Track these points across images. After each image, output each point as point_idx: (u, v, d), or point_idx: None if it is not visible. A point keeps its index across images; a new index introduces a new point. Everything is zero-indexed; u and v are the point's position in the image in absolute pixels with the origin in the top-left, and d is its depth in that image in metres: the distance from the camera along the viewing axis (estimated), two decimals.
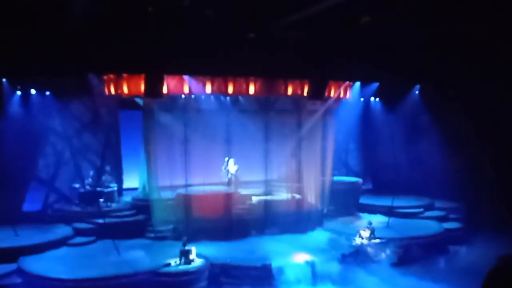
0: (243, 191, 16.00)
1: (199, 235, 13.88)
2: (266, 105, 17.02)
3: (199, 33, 12.51)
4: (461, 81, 15.87)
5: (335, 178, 17.84)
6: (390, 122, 19.28)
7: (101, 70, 14.34)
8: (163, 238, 14.32)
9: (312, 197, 16.65)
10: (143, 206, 14.99)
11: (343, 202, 17.40)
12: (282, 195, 16.56)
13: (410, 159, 18.65)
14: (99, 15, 11.67)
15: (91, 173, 15.99)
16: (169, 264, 11.91)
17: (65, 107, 15.77)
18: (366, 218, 16.60)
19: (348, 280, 12.57)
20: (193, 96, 15.29)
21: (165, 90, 14.22)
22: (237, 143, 16.20)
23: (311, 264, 12.62)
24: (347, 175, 20.03)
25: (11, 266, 11.79)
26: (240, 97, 16.30)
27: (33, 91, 15.22)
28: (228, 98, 16.00)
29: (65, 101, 15.60)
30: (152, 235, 14.48)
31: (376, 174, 20.55)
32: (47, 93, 15.40)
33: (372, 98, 19.62)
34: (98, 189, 15.51)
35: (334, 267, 12.85)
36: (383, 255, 13.89)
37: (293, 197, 16.25)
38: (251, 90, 15.40)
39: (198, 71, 14.29)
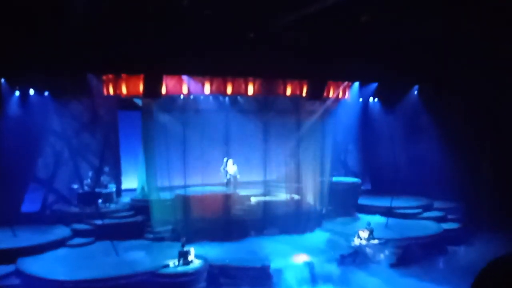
0: (242, 192, 15.98)
1: (198, 236, 13.87)
2: (265, 106, 17.01)
3: (198, 33, 12.51)
4: (460, 81, 15.89)
5: (334, 178, 17.84)
6: (389, 122, 19.27)
7: (100, 70, 14.32)
8: (161, 239, 14.29)
9: (311, 198, 16.64)
10: (141, 207, 14.95)
11: (342, 203, 17.39)
12: (281, 195, 16.55)
13: (409, 159, 18.65)
14: (98, 16, 11.65)
15: (90, 173, 15.95)
16: (168, 265, 11.90)
17: (64, 107, 15.71)
18: (365, 218, 16.61)
19: (347, 281, 12.58)
20: (192, 96, 15.25)
21: (164, 90, 14.19)
22: (236, 143, 16.19)
23: (310, 265, 12.62)
24: (346, 175, 20.02)
25: (10, 267, 11.76)
26: (239, 97, 16.27)
27: (31, 91, 15.15)
28: (227, 98, 15.98)
29: (63, 101, 15.54)
30: (151, 236, 14.44)
31: (375, 174, 20.56)
32: (46, 93, 15.34)
33: (371, 98, 19.61)
34: (97, 189, 15.47)
35: (333, 268, 12.85)
36: (382, 256, 13.90)
37: (292, 198, 16.24)
38: (250, 90, 15.38)
39: (197, 71, 14.28)
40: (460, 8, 11.89)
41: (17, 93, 14.94)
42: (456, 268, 14.08)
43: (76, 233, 14.11)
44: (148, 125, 15.19)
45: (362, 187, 19.16)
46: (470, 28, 13.11)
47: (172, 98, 15.19)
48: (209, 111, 15.74)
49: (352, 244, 14.16)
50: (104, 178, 15.86)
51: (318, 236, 15.33)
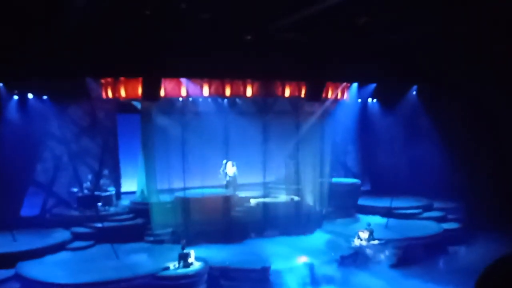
0: (242, 194, 16.00)
1: (198, 238, 13.87)
2: (264, 107, 17.04)
3: (196, 36, 12.53)
4: (458, 81, 15.92)
5: (334, 179, 17.84)
6: (388, 123, 19.30)
7: (98, 73, 14.34)
8: (162, 242, 14.30)
9: (310, 199, 16.64)
10: (141, 209, 14.95)
11: (342, 204, 17.39)
12: (281, 197, 16.56)
13: (408, 160, 18.68)
14: (96, 19, 11.67)
15: (90, 177, 15.97)
16: (168, 268, 11.90)
17: (63, 111, 15.75)
18: (365, 219, 16.61)
19: (348, 282, 12.58)
20: (190, 98, 15.28)
21: (162, 93, 14.21)
22: (235, 145, 16.20)
23: (310, 266, 12.61)
24: (345, 176, 20.05)
25: (9, 272, 11.75)
26: (237, 99, 16.30)
27: (30, 96, 15.19)
28: (225, 100, 15.99)
29: (62, 105, 15.57)
30: (151, 238, 14.46)
31: (375, 175, 20.57)
32: (45, 97, 15.38)
33: (369, 99, 19.65)
34: (97, 193, 15.49)
35: (333, 269, 12.85)
36: (382, 256, 13.90)
37: (291, 199, 16.25)
38: (249, 92, 15.40)
39: (196, 74, 14.29)
40: (458, 9, 11.91)
41: (16, 97, 14.97)
42: (456, 268, 14.09)
43: (76, 237, 14.12)
44: (147, 127, 15.20)
45: (362, 188, 19.16)
46: (468, 29, 13.15)
47: (171, 101, 15.21)
48: (208, 113, 15.75)
49: (353, 245, 14.16)
50: (103, 181, 15.87)
51: (318, 237, 15.33)
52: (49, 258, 12.75)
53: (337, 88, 16.75)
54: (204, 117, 15.71)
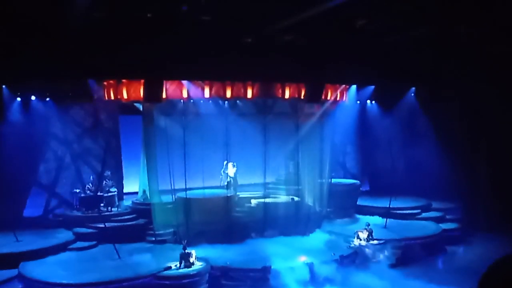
0: (242, 194, 16.11)
1: (199, 238, 13.99)
2: (264, 109, 17.16)
3: (197, 39, 12.66)
4: (456, 83, 16.05)
5: (333, 180, 17.96)
6: (386, 124, 19.43)
7: (100, 75, 14.45)
8: (163, 242, 14.41)
9: (310, 199, 16.77)
10: (143, 210, 15.08)
11: (341, 204, 17.50)
12: (281, 197, 16.68)
13: (407, 161, 18.81)
14: (98, 21, 11.81)
15: (92, 178, 16.09)
16: (169, 268, 12.00)
17: (65, 113, 15.87)
18: (364, 219, 16.72)
19: (347, 282, 12.65)
20: (192, 100, 15.42)
21: (164, 95, 14.34)
22: (236, 146, 16.32)
23: (310, 266, 12.72)
24: (344, 177, 20.17)
25: (12, 272, 11.84)
26: (238, 101, 16.44)
27: (33, 97, 15.31)
28: (226, 102, 16.13)
29: (65, 106, 15.70)
30: (153, 238, 14.57)
31: (374, 175, 20.70)
32: (47, 99, 15.50)
33: (368, 101, 19.79)
34: (99, 193, 15.61)
35: (333, 269, 12.95)
36: (381, 256, 14.01)
37: (291, 200, 16.36)
38: (249, 93, 15.54)
39: (197, 76, 14.42)
40: (454, 10, 12.04)
41: (19, 99, 15.08)
42: (455, 267, 14.21)
43: (79, 237, 14.21)
44: (149, 129, 15.33)
45: (361, 189, 19.28)
46: (466, 31, 13.28)
47: (172, 103, 15.34)
48: (209, 115, 15.90)
49: (352, 245, 14.27)
50: (106, 182, 16.00)
51: (318, 237, 15.44)
52: (52, 258, 12.83)
53: (336, 90, 16.89)
54: (205, 119, 15.85)
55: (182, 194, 15.17)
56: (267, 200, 16.25)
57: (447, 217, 17.48)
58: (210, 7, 11.72)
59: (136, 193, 16.41)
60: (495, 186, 17.09)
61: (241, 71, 14.19)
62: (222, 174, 16.14)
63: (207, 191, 15.90)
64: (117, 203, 15.89)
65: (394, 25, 13.13)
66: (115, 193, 15.97)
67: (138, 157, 16.05)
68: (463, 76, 15.37)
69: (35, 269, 11.90)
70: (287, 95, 16.00)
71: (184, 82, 14.74)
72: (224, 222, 14.80)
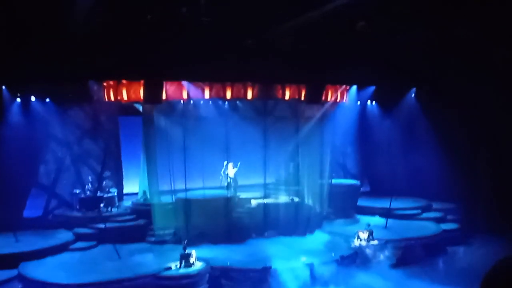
0: (242, 195, 16.11)
1: (199, 238, 13.99)
2: (264, 110, 17.19)
3: (197, 40, 12.68)
4: (457, 84, 16.07)
5: (333, 181, 17.97)
6: (386, 125, 19.45)
7: (100, 76, 14.49)
8: (163, 242, 14.41)
9: (310, 200, 16.77)
10: (143, 210, 15.10)
11: (342, 205, 17.50)
12: (281, 198, 16.68)
13: (407, 161, 18.80)
14: (98, 23, 11.83)
15: (92, 178, 16.10)
16: (170, 268, 12.01)
17: (65, 114, 15.88)
18: (364, 220, 16.71)
19: (348, 282, 12.66)
20: (192, 101, 15.44)
21: (164, 96, 14.37)
22: (236, 147, 16.33)
23: (310, 266, 12.72)
24: (345, 177, 20.16)
25: (12, 272, 11.83)
26: (238, 102, 16.46)
27: (33, 98, 15.33)
28: (226, 103, 16.15)
29: (65, 108, 15.72)
30: (153, 239, 14.57)
31: (374, 176, 20.70)
32: (47, 100, 15.52)
33: (368, 102, 19.81)
34: (99, 194, 15.63)
35: (333, 269, 12.95)
36: (381, 257, 14.00)
37: (292, 200, 16.37)
38: (249, 95, 15.56)
39: (197, 77, 14.45)
40: (456, 12, 12.06)
41: (19, 100, 15.10)
42: (455, 268, 14.21)
43: (79, 237, 14.22)
44: (149, 130, 15.35)
45: (361, 189, 19.28)
46: (467, 32, 13.30)
47: (172, 104, 15.37)
48: (209, 116, 15.92)
49: (352, 245, 14.26)
50: (106, 183, 16.02)
51: (318, 238, 15.43)
52: (52, 259, 12.83)
53: (336, 90, 16.92)
54: (205, 120, 15.88)
55: (182, 195, 15.17)
56: (267, 200, 16.26)
57: (448, 217, 17.47)
58: (210, 8, 11.75)
59: (136, 194, 16.43)
60: (496, 187, 17.09)
61: (241, 72, 14.22)
62: (222, 174, 16.14)
63: (207, 191, 15.91)
64: (117, 204, 15.91)
65: (395, 27, 13.14)
66: (115, 193, 15.99)
67: (138, 158, 16.06)
68: (464, 78, 15.38)
69: (35, 270, 11.91)
70: (287, 96, 16.03)
71: (184, 83, 14.76)
72: (224, 222, 14.81)
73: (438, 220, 17.15)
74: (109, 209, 15.46)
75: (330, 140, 17.57)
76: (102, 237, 14.05)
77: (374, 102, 19.94)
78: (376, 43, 14.09)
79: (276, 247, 14.05)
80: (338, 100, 17.24)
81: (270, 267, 12.36)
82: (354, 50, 14.16)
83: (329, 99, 16.72)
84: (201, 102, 15.59)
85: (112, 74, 14.03)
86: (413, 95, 18.89)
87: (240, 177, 16.25)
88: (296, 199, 16.41)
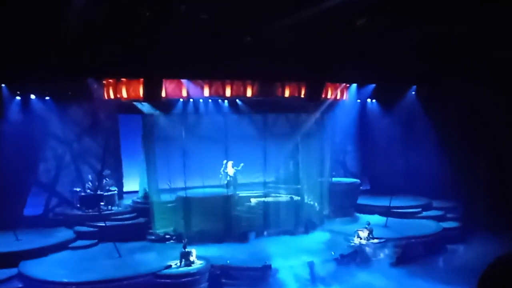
0: (242, 193, 16.11)
1: (199, 237, 14.01)
2: (264, 108, 17.13)
3: (196, 38, 12.65)
4: (457, 82, 16.03)
5: (333, 179, 17.95)
6: (386, 123, 19.42)
7: (100, 74, 14.46)
8: (163, 241, 14.43)
9: (310, 199, 16.76)
10: (143, 209, 15.10)
11: (341, 203, 17.50)
12: (281, 196, 16.68)
13: (407, 160, 18.78)
14: (97, 20, 11.80)
15: (92, 176, 16.10)
16: (170, 266, 12.02)
17: (65, 112, 15.87)
18: (364, 218, 16.71)
19: (347, 280, 12.66)
20: (191, 99, 15.41)
21: (163, 94, 14.34)
22: (236, 145, 16.31)
23: (310, 265, 12.72)
24: (345, 176, 20.15)
25: (12, 271, 11.85)
26: (238, 100, 16.42)
27: (32, 96, 15.32)
28: (226, 101, 16.12)
29: (64, 106, 15.71)
30: (153, 237, 14.58)
31: (374, 174, 20.68)
32: (47, 98, 15.51)
33: (368, 100, 19.78)
34: (99, 192, 15.63)
35: (333, 268, 12.95)
36: (381, 255, 14.00)
37: (291, 199, 16.36)
38: (249, 92, 15.53)
39: (196, 75, 14.43)
40: (457, 10, 12.02)
41: (18, 98, 15.09)
42: (455, 266, 14.18)
43: (79, 236, 14.25)
44: (148, 128, 15.33)
45: (361, 187, 19.27)
46: (467, 30, 13.27)
47: (172, 102, 15.34)
48: (208, 114, 15.90)
49: (352, 244, 14.26)
50: (106, 181, 16.02)
51: (318, 236, 15.43)
52: (52, 257, 12.86)
53: (336, 88, 16.89)
54: (205, 118, 15.85)
55: (182, 193, 15.17)
56: (267, 199, 16.26)
57: (448, 215, 17.47)
58: (209, 5, 11.72)
59: (136, 192, 16.42)
60: (496, 185, 17.07)
61: (240, 70, 14.19)
62: (222, 173, 16.13)
63: (207, 190, 15.91)
64: (117, 202, 15.92)
65: (395, 24, 13.10)
66: (115, 192, 15.99)
67: (138, 156, 16.05)
68: (464, 76, 15.35)
69: (35, 268, 11.92)
70: (287, 94, 15.99)
71: (184, 81, 14.74)
72: (224, 221, 14.82)
73: (438, 219, 17.15)
74: (109, 207, 15.46)
75: (330, 139, 17.54)
76: (102, 235, 14.07)
77: (374, 100, 19.90)
78: (376, 40, 14.06)
79: (276, 245, 14.04)
80: (338, 98, 17.21)
81: (270, 266, 12.36)
82: (354, 47, 14.13)
83: (329, 97, 16.69)
84: (201, 100, 15.57)
85: (111, 72, 14.00)
86: (413, 93, 18.86)
87: (239, 175, 16.23)
88: (296, 198, 16.41)
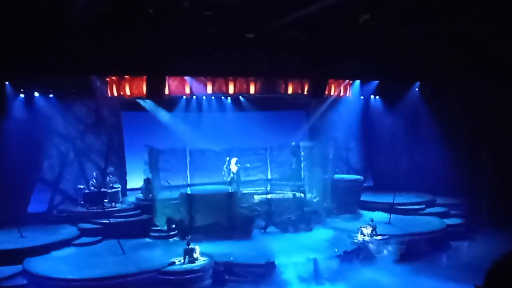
0: (245, 190, 16.12)
1: (202, 233, 14.03)
2: (267, 104, 17.15)
3: (199, 34, 12.65)
4: (460, 78, 15.97)
5: (337, 176, 17.93)
6: (390, 120, 19.37)
7: (103, 72, 14.49)
8: (167, 237, 14.46)
9: (313, 195, 16.75)
10: (147, 206, 15.13)
11: (345, 200, 17.46)
12: (284, 193, 16.68)
13: (410, 156, 18.72)
14: (100, 18, 11.82)
15: (95, 174, 16.15)
16: (173, 263, 12.04)
17: (68, 109, 15.94)
18: (367, 215, 16.69)
19: (351, 277, 12.64)
20: (194, 96, 15.43)
21: (167, 91, 14.35)
22: (239, 142, 16.31)
23: (314, 262, 12.71)
24: (348, 173, 20.12)
25: (17, 268, 11.89)
26: (241, 97, 16.42)
27: (36, 94, 15.37)
28: (229, 98, 16.13)
29: (68, 103, 15.76)
30: (156, 234, 14.62)
31: (377, 171, 20.64)
32: (50, 95, 15.56)
33: (372, 96, 19.72)
34: (103, 189, 15.67)
35: (337, 264, 12.94)
36: (385, 252, 13.98)
37: (294, 195, 16.36)
38: (252, 89, 15.54)
39: (199, 72, 14.43)
40: (461, 6, 11.94)
41: (22, 95, 15.14)
42: (459, 263, 14.14)
43: (83, 233, 14.28)
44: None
45: (365, 184, 19.23)
46: (471, 26, 13.20)
47: (175, 99, 15.36)
48: (211, 111, 15.91)
49: (355, 241, 14.24)
50: (109, 178, 16.06)
51: (321, 233, 15.41)
52: (56, 254, 12.90)
53: (339, 85, 16.87)
54: (208, 114, 15.87)
55: (185, 190, 15.19)
56: (270, 196, 16.25)
57: (452, 212, 17.41)
58: (212, 2, 11.69)
59: (140, 189, 16.43)
60: (499, 181, 17.01)
61: (244, 67, 14.19)
62: (225, 170, 16.14)
63: (210, 187, 15.92)
64: (121, 199, 15.96)
65: (398, 20, 13.04)
66: (119, 189, 16.03)
67: (141, 153, 16.06)
68: (468, 72, 15.28)
69: (40, 265, 11.95)
70: (290, 91, 15.99)
71: (187, 78, 14.75)
72: (228, 218, 14.83)
73: (442, 215, 17.09)
74: (113, 204, 15.51)
75: (333, 135, 17.51)
76: (106, 232, 14.10)
77: (377, 97, 19.85)
78: (379, 37, 14.01)
79: (279, 242, 14.06)
80: (341, 94, 17.18)
81: (273, 262, 12.36)
82: (358, 44, 14.09)
83: (332, 93, 16.66)
84: (204, 97, 15.58)
85: (115, 69, 14.02)
86: (416, 89, 18.78)
87: (242, 172, 16.23)
88: (299, 194, 16.39)
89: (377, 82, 18.22)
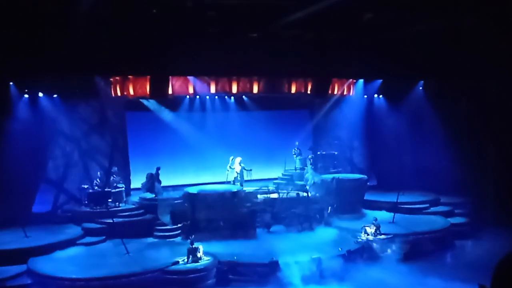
0: (249, 189, 16.13)
1: (206, 233, 14.04)
2: (270, 104, 17.15)
3: (202, 34, 12.65)
4: (464, 77, 15.90)
5: (340, 175, 17.90)
6: (394, 119, 19.32)
7: (107, 72, 14.52)
8: (171, 237, 14.49)
9: (317, 195, 16.73)
10: (151, 205, 15.17)
11: (349, 199, 17.41)
12: (288, 192, 16.67)
13: (414, 155, 18.69)
14: (104, 18, 11.85)
15: (100, 174, 16.20)
16: (177, 262, 12.06)
17: (73, 110, 16.00)
18: (371, 214, 16.64)
19: (355, 276, 12.63)
20: (198, 96, 15.46)
21: (170, 91, 14.38)
22: (242, 141, 16.33)
23: (318, 261, 12.70)
24: (352, 172, 20.07)
25: (21, 267, 11.94)
26: (244, 96, 16.43)
27: (40, 94, 15.44)
28: (232, 97, 16.14)
29: (72, 103, 15.82)
30: (160, 234, 14.65)
31: (381, 170, 20.59)
32: (55, 96, 15.62)
33: (375, 95, 19.68)
34: (107, 189, 15.72)
35: (340, 264, 12.93)
36: (389, 251, 13.95)
37: (298, 195, 16.35)
38: (255, 89, 15.54)
39: (203, 72, 14.43)
40: (465, 4, 11.89)
41: (26, 96, 15.21)
42: (463, 262, 14.11)
43: (87, 232, 14.33)
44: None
45: (368, 183, 19.18)
46: (475, 24, 13.14)
47: (178, 98, 15.39)
48: (215, 110, 15.94)
49: (359, 240, 14.23)
50: (113, 178, 16.11)
51: (325, 232, 15.40)
52: (61, 254, 12.93)
53: (343, 84, 16.84)
54: (211, 114, 15.89)
55: (188, 190, 15.22)
56: (274, 195, 16.25)
57: (456, 211, 17.35)
58: (215, 2, 11.69)
59: (142, 184, 16.46)
60: (504, 180, 16.94)
61: (247, 66, 14.17)
62: (229, 169, 16.15)
63: (214, 186, 15.95)
64: (124, 199, 16.01)
65: (402, 19, 13.00)
66: (123, 188, 16.08)
67: (145, 153, 16.12)
68: (472, 71, 15.21)
69: (44, 265, 11.99)
70: (293, 90, 15.98)
71: (190, 78, 14.77)
72: (231, 217, 14.83)
73: (446, 214, 17.03)
74: (117, 204, 15.56)
75: (337, 134, 17.49)
76: (110, 232, 14.15)
77: (381, 96, 19.80)
78: (383, 35, 13.97)
79: (283, 241, 14.06)
80: (345, 93, 17.15)
81: (277, 262, 12.36)
82: (361, 42, 14.05)
83: (335, 92, 16.64)
84: (207, 96, 15.60)
85: (118, 69, 14.05)
86: (420, 88, 18.72)
87: (246, 171, 16.24)
88: (303, 194, 16.39)
89: (380, 81, 18.18)
